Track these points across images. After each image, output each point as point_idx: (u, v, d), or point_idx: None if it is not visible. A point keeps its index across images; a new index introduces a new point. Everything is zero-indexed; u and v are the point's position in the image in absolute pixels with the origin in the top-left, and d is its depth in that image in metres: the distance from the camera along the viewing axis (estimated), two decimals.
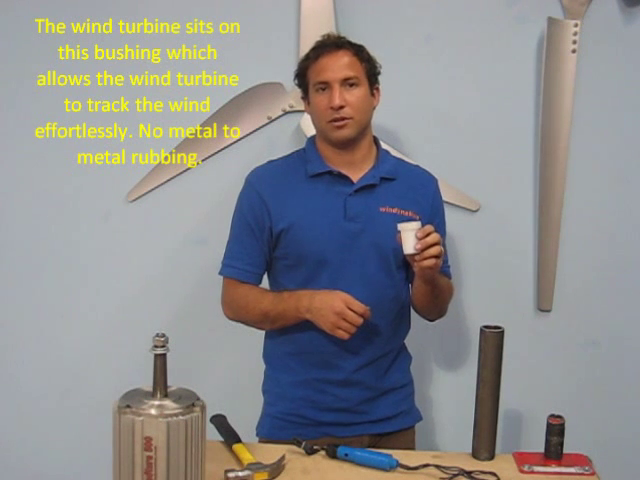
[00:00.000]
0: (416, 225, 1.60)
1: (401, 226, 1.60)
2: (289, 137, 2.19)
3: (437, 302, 1.81)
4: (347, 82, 1.69)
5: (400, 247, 1.61)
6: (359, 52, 1.72)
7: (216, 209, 2.22)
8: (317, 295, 1.66)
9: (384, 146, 1.86)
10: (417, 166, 1.90)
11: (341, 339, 1.65)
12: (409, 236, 1.59)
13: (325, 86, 1.69)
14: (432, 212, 1.81)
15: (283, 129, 2.20)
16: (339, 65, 1.69)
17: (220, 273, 1.81)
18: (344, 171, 1.74)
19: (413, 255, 1.59)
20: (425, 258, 1.58)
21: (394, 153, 1.94)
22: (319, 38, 1.75)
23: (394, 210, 1.74)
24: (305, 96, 1.78)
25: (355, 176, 1.74)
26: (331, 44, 1.71)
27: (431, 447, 2.21)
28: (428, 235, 1.58)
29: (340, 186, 1.73)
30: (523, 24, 2.14)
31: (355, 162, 1.75)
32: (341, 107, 1.67)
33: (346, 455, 1.55)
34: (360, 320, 1.62)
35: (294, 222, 1.71)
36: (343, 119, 1.68)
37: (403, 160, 1.90)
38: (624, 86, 2.16)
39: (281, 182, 1.76)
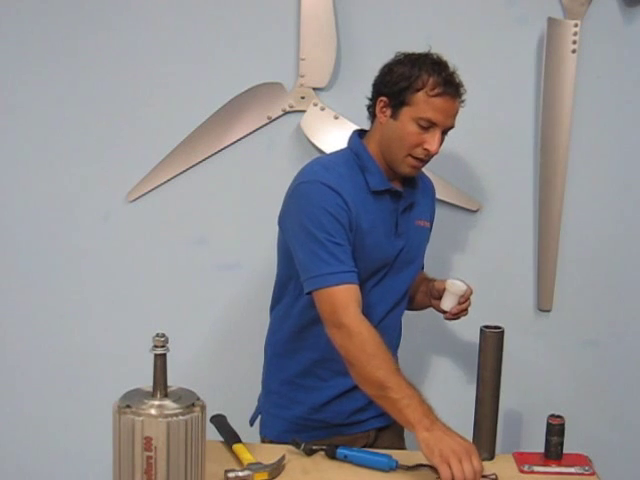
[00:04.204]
0: (462, 291, 1.74)
1: (449, 284, 1.74)
2: (289, 137, 2.19)
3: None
4: (446, 130, 1.64)
5: (438, 295, 1.77)
6: (462, 99, 1.65)
7: (216, 209, 2.23)
8: (444, 429, 1.44)
9: None
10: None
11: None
12: (453, 299, 1.74)
13: (429, 125, 1.59)
14: (433, 217, 1.85)
15: (283, 129, 2.20)
16: (452, 113, 1.62)
17: (323, 285, 1.55)
18: (397, 186, 1.69)
19: (446, 312, 1.76)
20: (455, 317, 1.78)
21: None
22: (429, 55, 1.62)
23: (422, 223, 1.75)
24: (388, 104, 1.62)
25: (401, 191, 1.71)
26: (455, 87, 1.61)
27: None
28: (466, 300, 1.75)
29: (394, 203, 1.68)
30: (523, 24, 2.14)
31: (399, 178, 1.71)
32: (433, 153, 1.63)
33: (345, 457, 1.54)
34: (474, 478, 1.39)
35: (363, 236, 1.62)
36: (424, 161, 1.64)
37: None
38: (624, 86, 2.17)
39: (350, 188, 1.62)
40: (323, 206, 1.57)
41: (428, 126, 1.59)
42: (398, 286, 1.73)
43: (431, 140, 1.60)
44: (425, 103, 1.58)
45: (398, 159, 1.64)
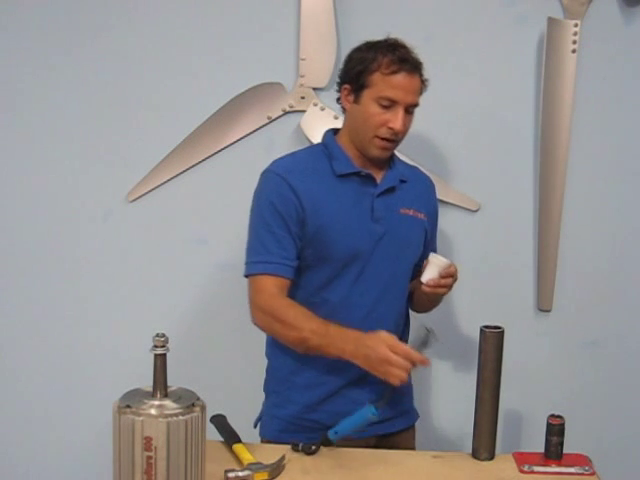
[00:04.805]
0: (443, 262, 1.67)
1: (431, 256, 1.69)
2: (289, 137, 2.19)
3: (432, 306, 1.87)
4: (409, 107, 1.65)
5: (422, 269, 1.70)
6: (423, 77, 1.68)
7: (216, 209, 2.23)
8: (362, 340, 1.56)
9: None
10: (416, 167, 1.90)
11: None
12: (433, 270, 1.66)
13: (390, 104, 1.62)
14: (434, 213, 1.85)
15: (283, 129, 2.20)
16: (412, 89, 1.64)
17: (250, 272, 1.67)
18: (372, 171, 1.71)
19: (423, 283, 1.68)
20: (433, 290, 1.67)
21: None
22: (386, 39, 1.67)
23: (411, 212, 1.75)
24: (351, 91, 1.67)
25: (377, 177, 1.73)
26: (411, 63, 1.64)
27: (432, 447, 2.20)
28: (449, 276, 1.66)
29: (367, 187, 1.70)
30: (523, 24, 2.14)
31: (376, 164, 1.73)
32: (398, 131, 1.65)
33: (336, 433, 1.57)
34: (409, 365, 1.53)
35: (325, 221, 1.66)
36: (392, 141, 1.66)
37: (406, 163, 1.90)
38: (624, 86, 2.17)
39: (309, 177, 1.68)
40: (267, 196, 1.67)
41: (389, 105, 1.62)
42: (387, 276, 1.71)
43: (394, 118, 1.62)
44: (382, 82, 1.62)
45: (366, 142, 1.67)
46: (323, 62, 2.14)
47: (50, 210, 2.28)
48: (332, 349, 1.59)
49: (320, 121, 2.16)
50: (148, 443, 1.22)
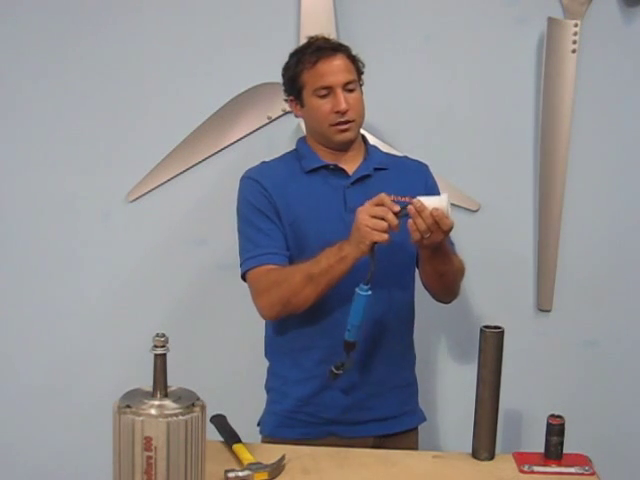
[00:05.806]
0: (441, 203, 1.53)
1: (446, 195, 1.57)
2: (289, 137, 2.19)
3: (444, 279, 1.77)
4: (347, 86, 1.71)
5: None
6: (350, 54, 1.75)
7: (216, 209, 2.22)
8: (349, 240, 1.58)
9: (373, 141, 1.90)
10: (406, 156, 1.93)
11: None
12: (429, 201, 1.54)
13: (328, 91, 1.71)
14: (427, 192, 1.73)
15: (283, 129, 2.20)
16: (339, 69, 1.71)
17: (244, 269, 1.72)
18: (342, 164, 1.77)
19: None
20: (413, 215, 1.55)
21: (392, 152, 1.96)
22: (306, 40, 1.78)
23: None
24: (295, 100, 1.78)
25: (349, 169, 1.78)
26: (327, 48, 1.72)
27: (432, 447, 2.21)
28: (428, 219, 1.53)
29: (337, 179, 1.76)
30: (523, 24, 2.14)
31: (348, 158, 1.78)
32: (345, 111, 1.70)
33: (349, 331, 1.57)
34: (384, 224, 1.51)
35: (298, 216, 1.72)
36: (347, 122, 1.71)
37: (391, 154, 1.93)
38: (624, 86, 2.17)
39: (279, 177, 1.77)
40: (245, 197, 1.76)
41: (327, 93, 1.71)
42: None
43: (335, 102, 1.70)
44: (311, 77, 1.72)
45: (325, 134, 1.74)
46: None
47: (50, 210, 2.28)
48: (332, 260, 1.59)
49: None
50: (148, 443, 1.22)
